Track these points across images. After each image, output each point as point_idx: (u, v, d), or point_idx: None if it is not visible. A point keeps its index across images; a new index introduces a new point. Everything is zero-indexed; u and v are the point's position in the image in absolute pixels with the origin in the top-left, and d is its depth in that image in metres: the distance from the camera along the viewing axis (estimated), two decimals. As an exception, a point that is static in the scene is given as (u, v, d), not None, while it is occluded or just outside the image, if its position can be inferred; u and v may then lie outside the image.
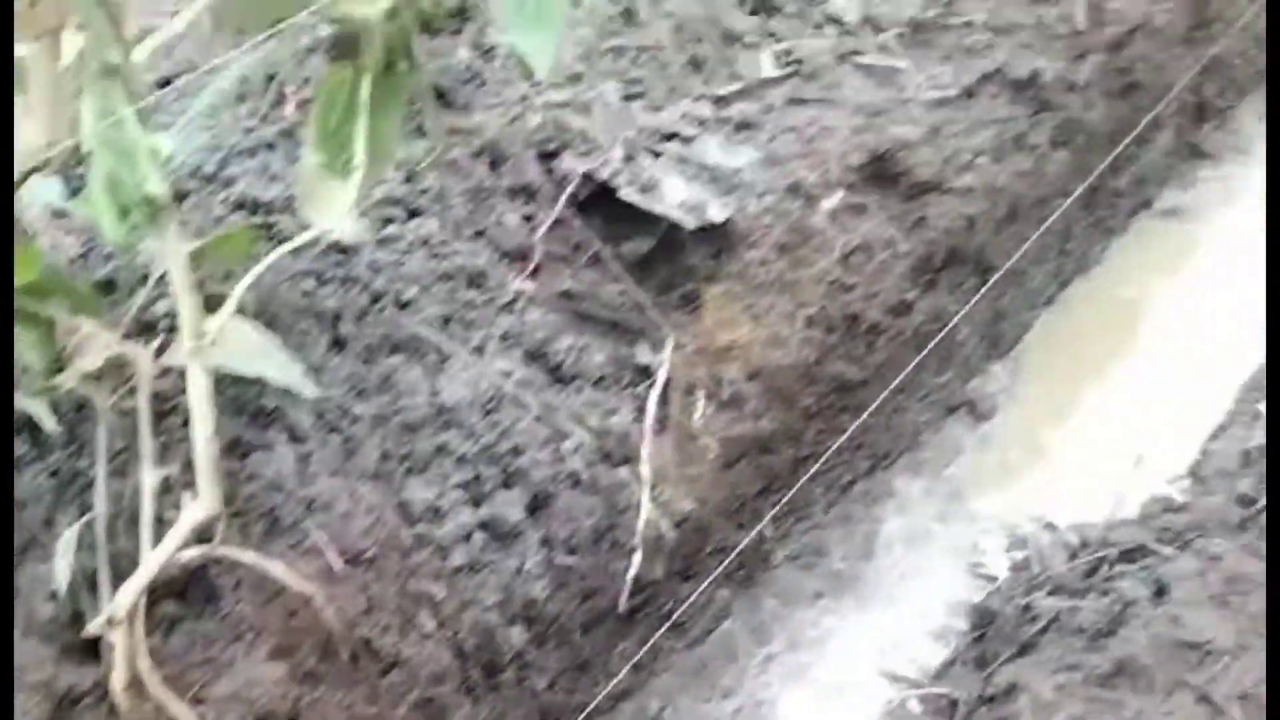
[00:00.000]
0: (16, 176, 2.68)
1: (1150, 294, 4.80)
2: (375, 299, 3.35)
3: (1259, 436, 3.54)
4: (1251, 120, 5.46)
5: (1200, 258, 4.95)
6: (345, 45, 2.66)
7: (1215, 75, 5.23)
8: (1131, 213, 5.06)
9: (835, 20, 4.19)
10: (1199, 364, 4.34)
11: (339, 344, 3.21)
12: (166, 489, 2.75)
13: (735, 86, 3.99)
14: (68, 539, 2.67)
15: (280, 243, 3.08)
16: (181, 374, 2.72)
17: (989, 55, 4.29)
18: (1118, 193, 4.93)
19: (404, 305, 3.38)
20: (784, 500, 3.77)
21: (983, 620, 3.41)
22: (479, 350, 3.42)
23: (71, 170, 2.99)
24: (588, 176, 3.69)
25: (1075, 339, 4.66)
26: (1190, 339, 4.50)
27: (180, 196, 3.26)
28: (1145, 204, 5.11)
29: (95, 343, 2.77)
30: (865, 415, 3.94)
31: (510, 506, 3.18)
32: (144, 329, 2.97)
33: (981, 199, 4.27)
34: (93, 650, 2.61)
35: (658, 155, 3.78)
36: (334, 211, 2.70)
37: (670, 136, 3.83)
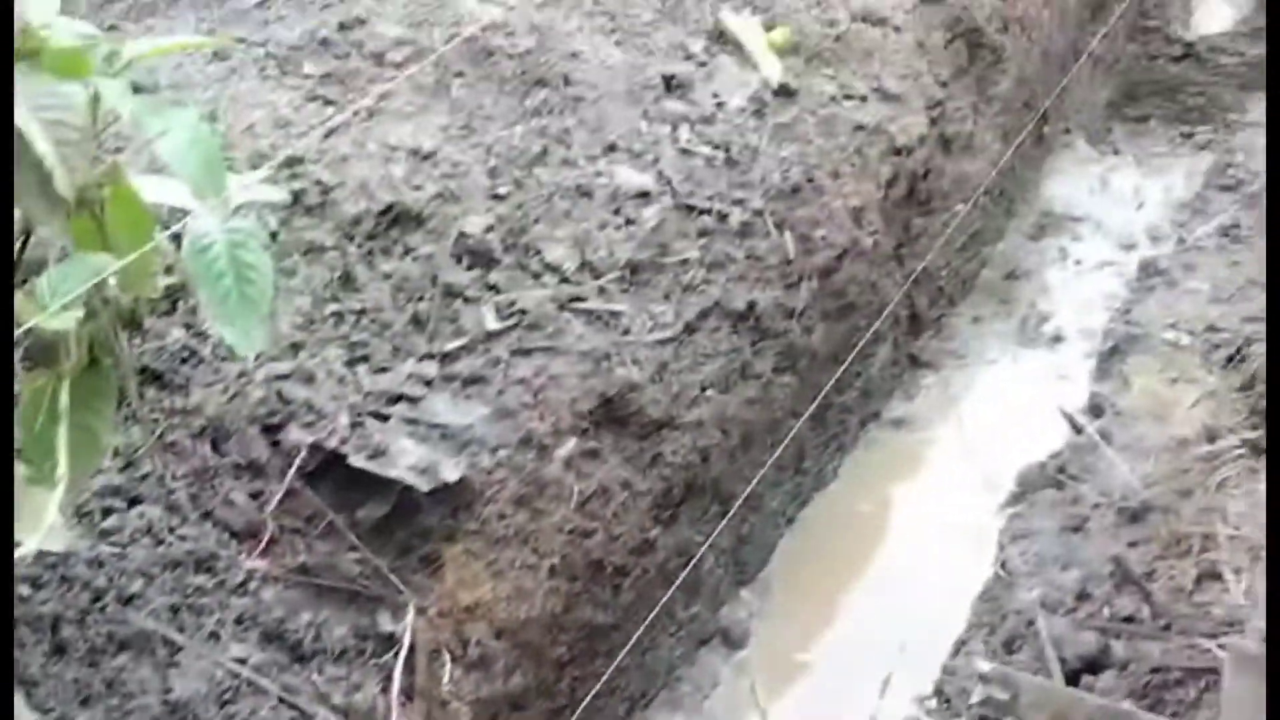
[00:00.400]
0: None
1: (886, 506, 4.94)
2: (97, 597, 3.21)
3: (996, 651, 3.62)
4: (965, 326, 5.71)
5: (929, 465, 5.11)
6: (42, 354, 2.59)
7: (925, 288, 5.46)
8: (861, 426, 5.20)
9: (554, 268, 4.24)
10: (936, 576, 4.44)
11: (60, 650, 3.07)
12: None
13: (460, 342, 4.00)
14: None
15: (-8, 549, 2.95)
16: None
17: (706, 291, 4.39)
18: (846, 409, 5.07)
19: (129, 600, 3.25)
20: (543, 757, 3.71)
21: None
22: (213, 637, 3.30)
23: None
24: (316, 446, 3.64)
25: (818, 557, 4.73)
26: (925, 550, 4.61)
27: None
28: (873, 416, 5.26)
29: None
30: (618, 659, 3.93)
31: (253, 802, 3.06)
32: None
33: (713, 431, 4.34)
34: None
35: (386, 419, 3.75)
36: (41, 525, 2.59)
37: (397, 399, 3.80)
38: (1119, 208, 6.27)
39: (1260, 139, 5.80)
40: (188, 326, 3.75)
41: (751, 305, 4.47)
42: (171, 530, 3.43)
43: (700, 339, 4.35)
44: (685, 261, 4.43)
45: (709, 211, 4.56)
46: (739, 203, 4.63)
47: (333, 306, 3.98)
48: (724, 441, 4.39)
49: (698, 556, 4.30)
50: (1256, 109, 6.30)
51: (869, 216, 4.99)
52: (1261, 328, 4.48)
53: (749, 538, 4.62)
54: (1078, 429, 4.49)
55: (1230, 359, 4.46)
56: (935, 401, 5.37)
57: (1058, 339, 5.57)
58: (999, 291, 5.86)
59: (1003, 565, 4.07)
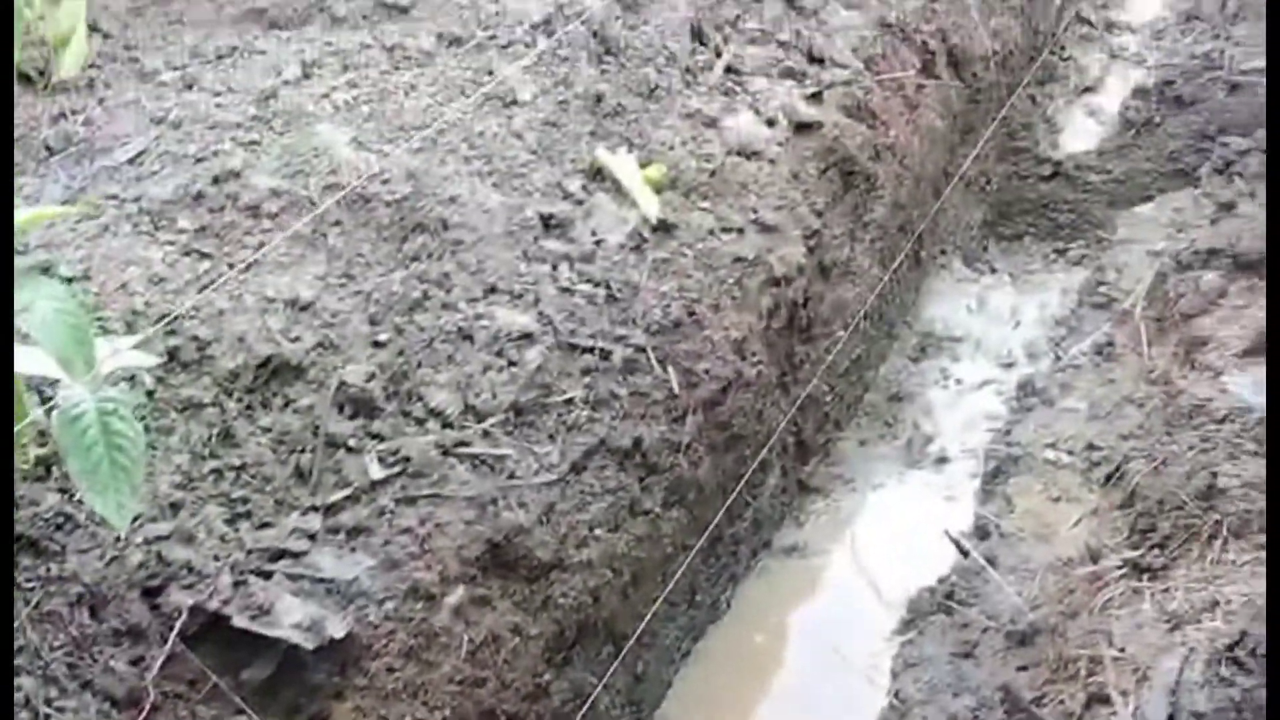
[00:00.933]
0: None
1: (781, 635, 4.94)
2: (-29, 778, 3.12)
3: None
4: (852, 450, 5.76)
5: (822, 592, 5.13)
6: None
7: (811, 414, 5.51)
8: (752, 556, 5.21)
9: (437, 414, 4.22)
10: (832, 706, 4.44)
11: (-69, 838, 2.96)
12: None
13: (344, 493, 3.95)
14: None
15: None
16: None
17: (591, 430, 4.38)
18: (736, 539, 5.08)
19: (5, 779, 3.16)
20: None
21: None
22: (95, 812, 3.22)
23: None
24: (197, 608, 3.57)
25: (714, 691, 4.72)
26: (822, 679, 4.62)
27: None
28: (765, 545, 5.28)
29: None
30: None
31: None
32: None
33: (604, 570, 4.32)
34: None
35: (269, 576, 3.69)
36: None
37: (280, 555, 3.75)
38: (997, 326, 6.39)
39: (1126, 256, 5.96)
40: (63, 491, 3.67)
41: (637, 442, 4.47)
42: (49, 703, 3.34)
43: (587, 478, 4.35)
44: (569, 401, 4.43)
45: (591, 350, 4.57)
46: (621, 339, 4.64)
47: (212, 463, 3.93)
48: (615, 580, 4.37)
49: (592, 698, 4.27)
50: (1124, 226, 6.47)
51: (751, 347, 5.04)
52: (1138, 445, 4.57)
53: (644, 675, 4.60)
54: (964, 552, 4.53)
55: (1109, 477, 4.54)
56: (826, 527, 5.40)
57: (943, 460, 5.63)
58: (884, 414, 5.92)
59: (896, 694, 4.08)
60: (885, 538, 5.27)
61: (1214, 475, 4.16)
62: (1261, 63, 7.14)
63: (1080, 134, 7.67)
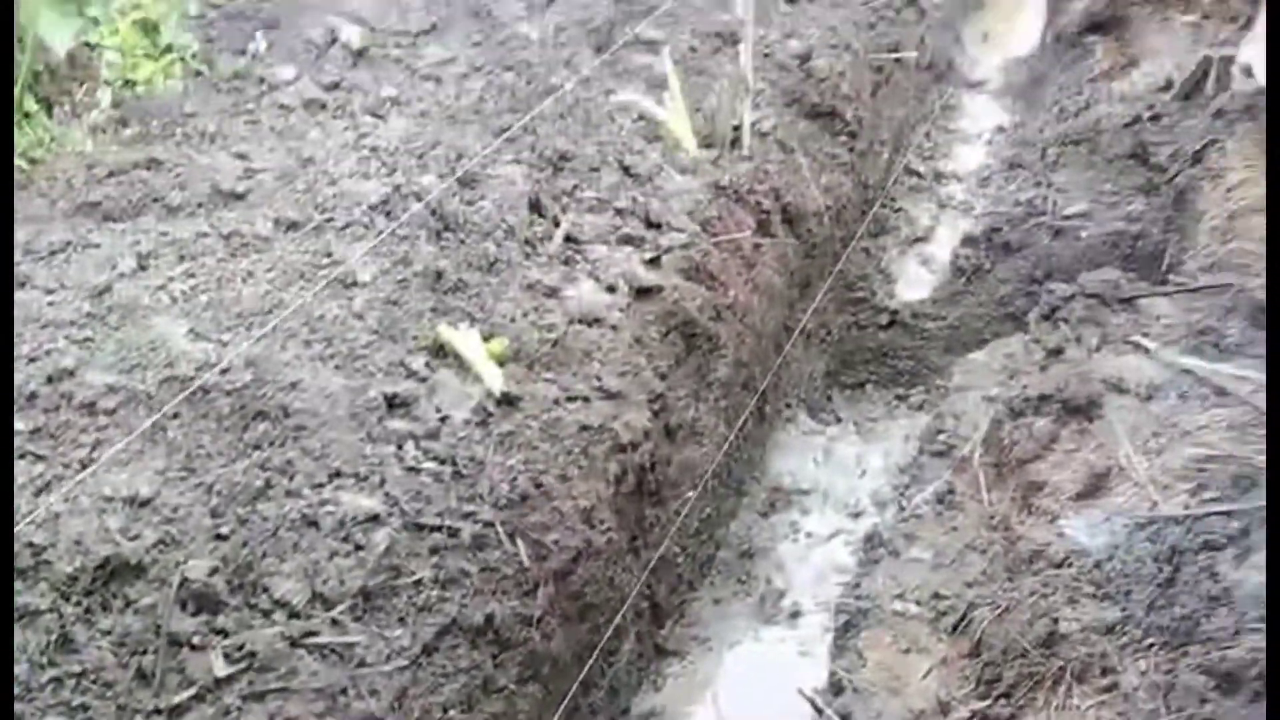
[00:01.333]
0: None
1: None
2: None
3: None
4: (706, 609, 5.79)
5: (684, 756, 5.13)
6: None
7: (664, 576, 5.54)
8: (611, 725, 5.20)
9: (283, 604, 4.18)
10: None
11: None
12: None
13: (188, 693, 3.89)
14: None
15: None
16: None
17: (442, 609, 4.37)
18: (593, 709, 5.06)
19: None
20: None
21: None
22: None
23: None
24: (38, 823, 3.49)
25: None
26: None
27: None
28: (623, 712, 5.27)
29: None
30: None
31: None
32: None
33: (459, 752, 4.29)
34: None
35: (112, 785, 3.62)
36: None
37: (123, 763, 3.68)
38: (843, 477, 6.50)
39: (963, 403, 6.09)
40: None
41: (489, 619, 4.46)
42: None
43: (439, 659, 4.32)
44: (419, 582, 4.41)
45: (439, 528, 4.56)
46: (469, 516, 4.65)
47: (51, 672, 3.85)
48: (471, 762, 4.34)
49: None
50: (960, 373, 6.59)
51: (600, 515, 5.07)
52: (982, 592, 4.65)
53: None
54: (819, 711, 4.56)
55: (956, 626, 4.60)
56: (683, 690, 5.42)
57: (796, 614, 5.69)
58: (736, 571, 5.97)
59: None
60: (743, 697, 5.30)
61: (1054, 621, 4.25)
62: (1081, 207, 7.45)
63: (914, 283, 7.89)
